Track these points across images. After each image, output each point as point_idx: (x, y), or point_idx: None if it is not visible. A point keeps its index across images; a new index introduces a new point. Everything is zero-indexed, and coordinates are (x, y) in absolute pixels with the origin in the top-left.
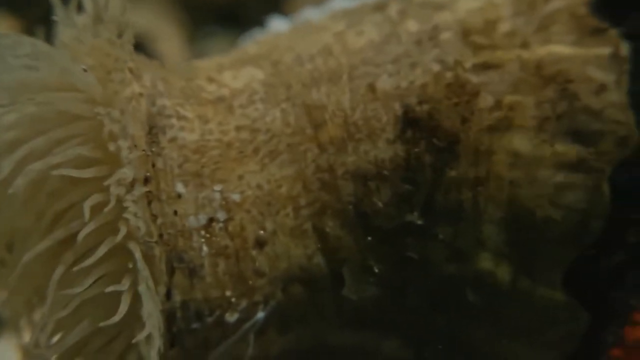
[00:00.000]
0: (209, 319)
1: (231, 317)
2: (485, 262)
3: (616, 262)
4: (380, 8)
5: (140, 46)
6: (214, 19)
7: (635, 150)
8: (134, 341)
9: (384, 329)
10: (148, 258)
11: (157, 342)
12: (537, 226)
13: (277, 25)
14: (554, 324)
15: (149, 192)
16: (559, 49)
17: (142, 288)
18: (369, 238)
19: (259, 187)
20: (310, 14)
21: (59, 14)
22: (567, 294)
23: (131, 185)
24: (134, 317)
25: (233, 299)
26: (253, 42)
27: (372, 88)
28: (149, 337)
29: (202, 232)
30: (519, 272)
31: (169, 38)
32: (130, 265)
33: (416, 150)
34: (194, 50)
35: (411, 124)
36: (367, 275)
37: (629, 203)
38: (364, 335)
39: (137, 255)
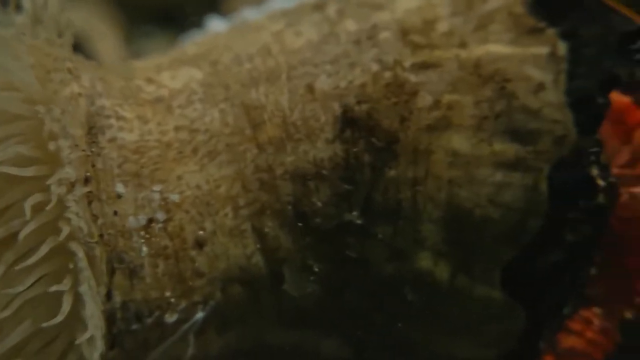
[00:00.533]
0: (149, 320)
1: (170, 318)
2: (424, 261)
3: (554, 261)
4: (318, 8)
5: (77, 46)
6: (150, 18)
7: (573, 149)
8: (76, 342)
9: (324, 329)
10: (89, 258)
11: (99, 344)
12: (476, 225)
13: (216, 25)
14: (492, 323)
15: (90, 192)
16: (497, 48)
17: (84, 288)
18: (308, 238)
19: (198, 187)
20: (249, 14)
21: None
22: (505, 292)
23: (72, 185)
24: (75, 318)
25: (172, 300)
26: (191, 43)
27: (310, 88)
28: (90, 339)
29: (142, 233)
30: (458, 271)
31: (105, 38)
32: (71, 266)
33: (355, 149)
34: (131, 50)
35: (350, 123)
36: (307, 274)
37: (566, 202)
38: (303, 335)
39: (80, 255)
